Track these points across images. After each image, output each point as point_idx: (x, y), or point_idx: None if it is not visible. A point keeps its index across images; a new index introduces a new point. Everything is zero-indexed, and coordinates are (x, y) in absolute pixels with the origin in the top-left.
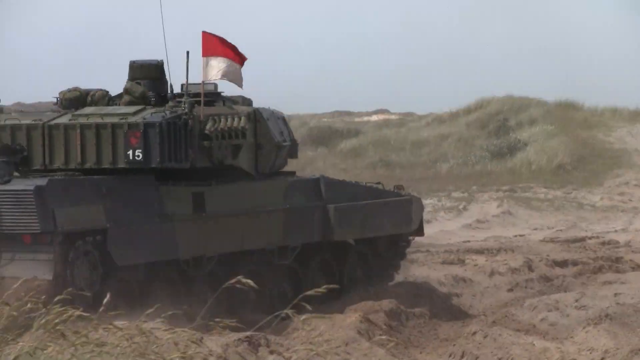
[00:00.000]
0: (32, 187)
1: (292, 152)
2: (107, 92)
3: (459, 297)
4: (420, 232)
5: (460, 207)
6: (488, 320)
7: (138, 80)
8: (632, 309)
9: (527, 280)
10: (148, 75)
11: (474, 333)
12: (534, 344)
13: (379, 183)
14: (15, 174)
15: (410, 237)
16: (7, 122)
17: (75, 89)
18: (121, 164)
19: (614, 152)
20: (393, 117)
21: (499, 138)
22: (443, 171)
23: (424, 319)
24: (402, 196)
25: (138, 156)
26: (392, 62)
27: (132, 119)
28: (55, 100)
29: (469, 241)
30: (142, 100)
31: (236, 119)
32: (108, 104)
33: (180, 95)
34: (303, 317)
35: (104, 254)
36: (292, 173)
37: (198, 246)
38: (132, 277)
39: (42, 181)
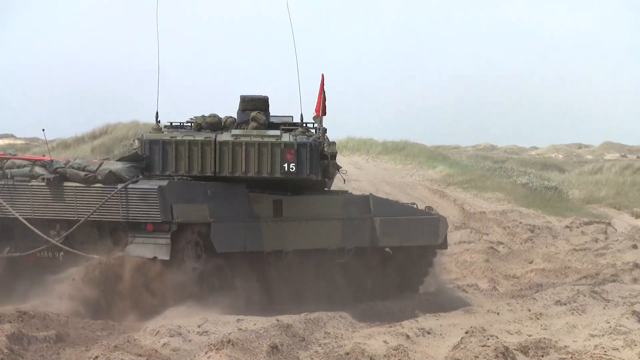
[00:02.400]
0: (156, 187)
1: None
2: (235, 118)
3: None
4: (444, 245)
5: None
6: (110, 345)
7: (247, 111)
8: (254, 334)
9: None
10: (256, 107)
11: (96, 357)
12: None
13: (413, 203)
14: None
15: (437, 250)
16: (185, 138)
17: (214, 115)
18: (277, 175)
19: None
20: (19, 141)
21: None
22: None
23: (47, 343)
24: (431, 215)
25: (292, 168)
26: None
27: (286, 139)
28: (189, 122)
29: None
30: (264, 127)
31: (332, 144)
32: (236, 128)
33: (293, 123)
34: None
35: (207, 242)
36: (346, 191)
37: (277, 242)
38: (227, 263)
39: (163, 182)
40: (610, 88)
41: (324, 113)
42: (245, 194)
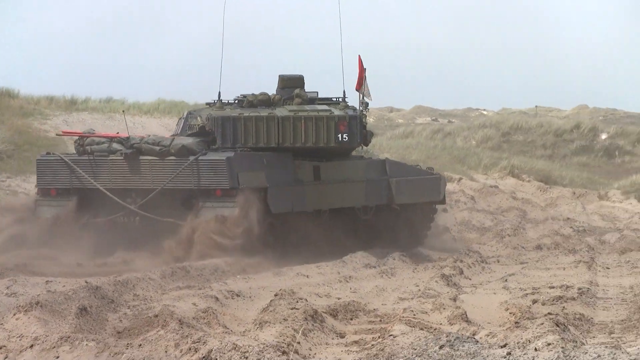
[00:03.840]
0: (224, 157)
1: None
2: (281, 96)
3: None
4: (444, 201)
5: None
6: None
7: (287, 88)
8: (62, 296)
9: None
10: (295, 85)
11: None
12: None
13: (417, 165)
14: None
15: (438, 205)
16: (252, 114)
17: (264, 93)
18: (332, 144)
19: (49, 140)
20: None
21: None
22: None
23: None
24: (433, 174)
25: (345, 139)
26: None
27: (338, 113)
28: (237, 99)
29: None
30: (307, 102)
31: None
32: (283, 105)
33: (324, 98)
34: None
35: (264, 204)
36: (362, 157)
37: (318, 202)
38: (279, 221)
39: (230, 153)
40: (420, 55)
41: (364, 89)
42: (292, 161)
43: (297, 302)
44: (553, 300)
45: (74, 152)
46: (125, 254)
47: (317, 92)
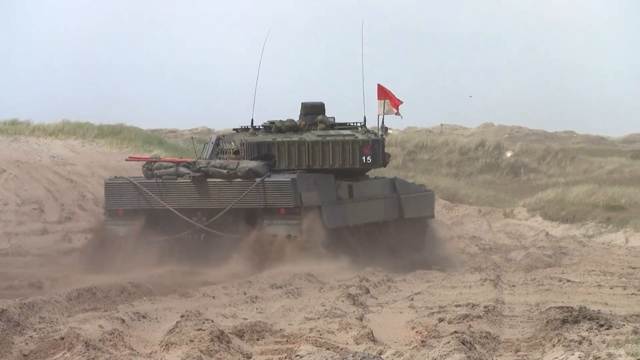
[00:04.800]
0: (289, 179)
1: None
2: (306, 122)
3: None
4: (433, 215)
5: None
6: None
7: (309, 115)
8: None
9: None
10: (317, 112)
11: None
12: None
13: (413, 182)
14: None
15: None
16: (284, 139)
17: (291, 120)
18: (357, 166)
19: None
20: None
21: None
22: None
23: None
24: (427, 191)
25: (369, 160)
26: None
27: (361, 137)
28: (264, 125)
29: None
30: (330, 127)
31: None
32: (308, 130)
33: (341, 123)
34: None
35: (321, 221)
36: (376, 176)
37: (354, 218)
38: (333, 235)
39: (293, 175)
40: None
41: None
42: (334, 181)
43: (204, 323)
44: (459, 319)
45: (141, 175)
46: (192, 267)
47: (334, 117)
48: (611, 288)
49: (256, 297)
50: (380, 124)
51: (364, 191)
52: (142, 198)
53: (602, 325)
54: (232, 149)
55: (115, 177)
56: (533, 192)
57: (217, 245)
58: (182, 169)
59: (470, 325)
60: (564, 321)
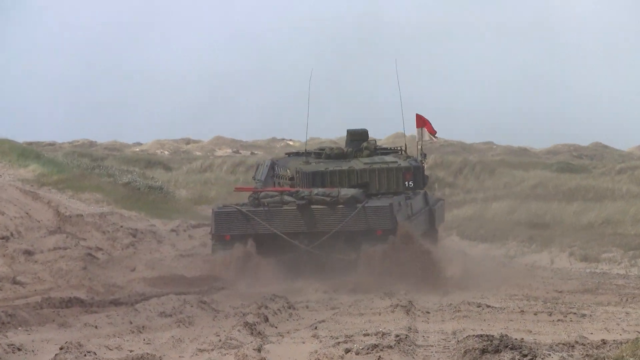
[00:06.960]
0: (387, 204)
1: None
2: (352, 149)
3: None
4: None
5: None
6: None
7: (355, 141)
8: None
9: None
10: (361, 138)
11: None
12: None
13: (441, 199)
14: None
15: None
16: (335, 168)
17: (339, 147)
18: (401, 189)
19: None
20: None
21: None
22: None
23: None
24: (440, 199)
25: (411, 185)
26: None
27: (403, 164)
28: (313, 151)
29: None
30: (374, 151)
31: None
32: (355, 157)
33: (382, 148)
34: None
35: (409, 238)
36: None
37: (417, 232)
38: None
39: (390, 201)
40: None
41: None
42: (405, 201)
43: (85, 355)
44: (368, 349)
45: (246, 203)
46: (300, 284)
47: (375, 140)
48: (535, 314)
49: (143, 326)
50: (419, 150)
51: (415, 207)
52: (249, 224)
53: (525, 356)
54: (288, 176)
55: (223, 205)
56: (449, 208)
57: (319, 264)
58: (287, 198)
59: (380, 357)
60: (484, 351)
